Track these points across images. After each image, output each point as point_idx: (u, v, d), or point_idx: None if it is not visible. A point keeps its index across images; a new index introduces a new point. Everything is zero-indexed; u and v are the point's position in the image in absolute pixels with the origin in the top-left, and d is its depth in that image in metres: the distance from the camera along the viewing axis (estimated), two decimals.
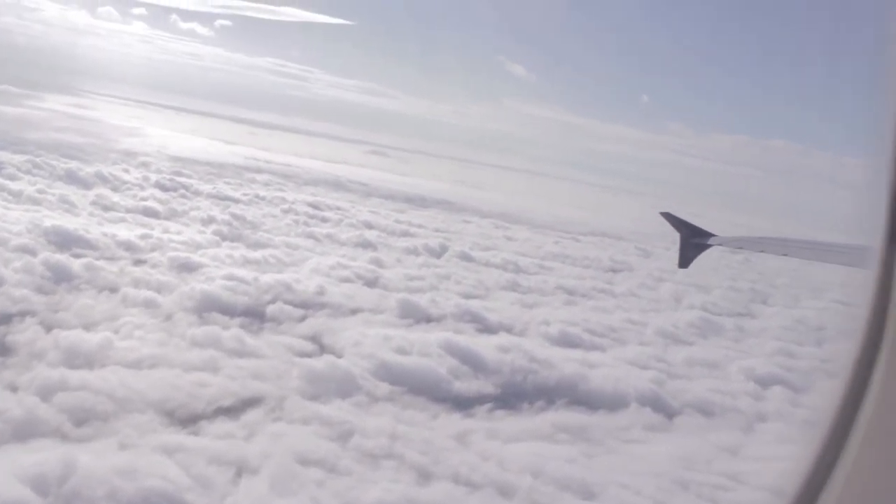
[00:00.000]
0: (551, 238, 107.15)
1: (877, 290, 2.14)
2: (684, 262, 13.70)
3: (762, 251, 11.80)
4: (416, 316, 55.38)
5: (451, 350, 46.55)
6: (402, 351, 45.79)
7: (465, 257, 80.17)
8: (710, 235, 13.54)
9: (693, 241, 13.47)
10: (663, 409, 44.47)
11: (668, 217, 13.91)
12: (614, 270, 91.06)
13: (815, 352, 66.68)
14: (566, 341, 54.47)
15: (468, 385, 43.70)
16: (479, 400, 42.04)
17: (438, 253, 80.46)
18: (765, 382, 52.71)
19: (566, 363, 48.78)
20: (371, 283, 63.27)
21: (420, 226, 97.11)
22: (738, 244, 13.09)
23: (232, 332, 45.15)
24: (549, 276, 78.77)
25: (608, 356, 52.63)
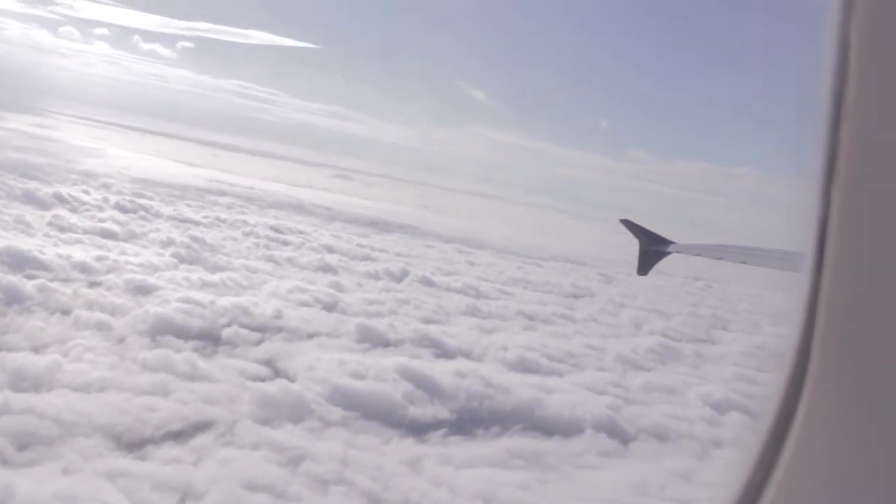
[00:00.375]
0: (514, 263, 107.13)
1: (805, 314, 2.23)
2: (643, 269, 13.81)
3: (720, 258, 11.68)
4: (373, 340, 55.06)
5: (407, 375, 46.29)
6: (356, 375, 45.45)
7: (426, 282, 79.93)
8: (669, 243, 13.66)
9: (652, 249, 13.59)
10: (619, 434, 44.44)
11: (627, 224, 13.98)
12: (576, 296, 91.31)
13: (774, 379, 67.15)
14: (524, 366, 54.38)
15: (423, 410, 43.40)
16: (434, 425, 41.77)
17: (399, 277, 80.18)
18: (722, 408, 52.91)
19: (523, 388, 48.66)
20: (330, 307, 62.83)
21: (382, 250, 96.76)
22: (697, 251, 13.05)
23: (184, 355, 44.58)
24: (510, 302, 78.72)
25: (565, 381, 52.58)
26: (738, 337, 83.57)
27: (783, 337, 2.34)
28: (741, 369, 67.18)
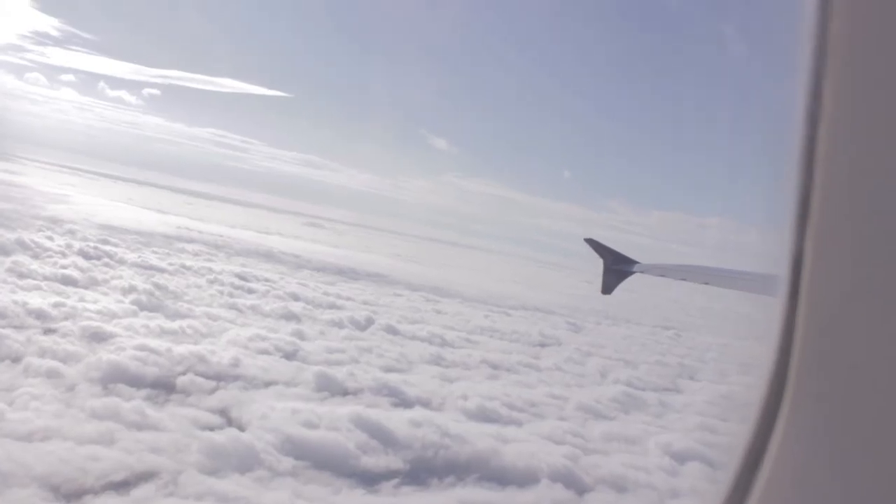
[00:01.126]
0: (482, 312, 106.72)
1: (779, 345, 2.37)
2: (607, 288, 14.00)
3: (683, 279, 11.96)
4: (332, 389, 54.47)
5: (361, 424, 45.66)
6: (309, 425, 44.77)
7: (391, 330, 79.43)
8: (633, 263, 13.85)
9: (615, 268, 13.82)
10: (575, 485, 43.96)
11: (592, 243, 14.25)
12: (542, 345, 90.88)
13: (738, 428, 66.93)
14: (483, 416, 53.91)
15: (376, 460, 42.78)
16: (386, 475, 41.17)
17: (364, 326, 79.66)
18: (681, 458, 52.54)
19: (480, 438, 48.12)
20: (290, 355, 62.16)
21: (348, 298, 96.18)
22: (661, 272, 13.16)
23: (134, 403, 43.74)
24: (475, 350, 78.22)
25: (524, 431, 52.12)
26: (704, 386, 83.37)
27: (757, 363, 2.47)
28: (704, 419, 66.94)
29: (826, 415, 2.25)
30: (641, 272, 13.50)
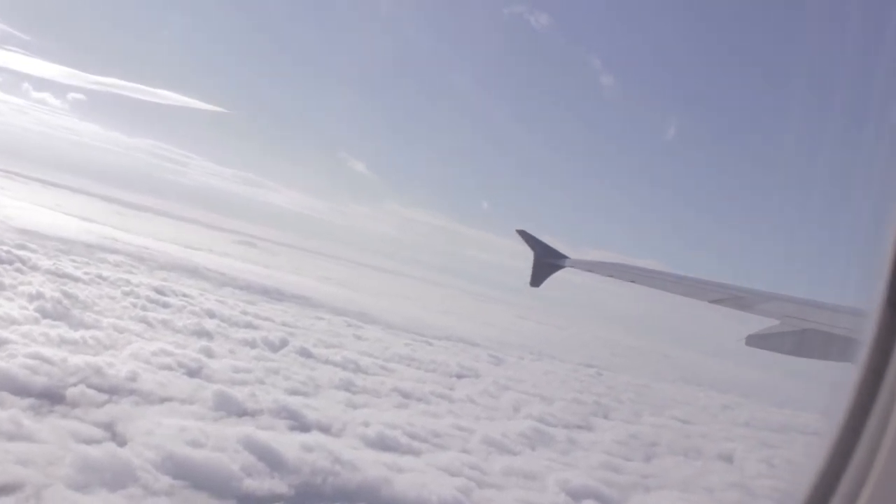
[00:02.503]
0: (403, 340, 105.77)
1: (872, 353, 2.30)
2: (536, 280, 14.06)
3: (610, 276, 12.02)
4: (229, 409, 53.30)
5: (250, 446, 44.59)
6: (195, 444, 43.57)
7: (305, 353, 78.29)
8: (564, 257, 14.01)
9: (546, 261, 13.94)
10: None
11: (523, 235, 14.24)
12: (459, 376, 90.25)
13: (641, 467, 67.06)
14: (382, 444, 53.13)
15: (259, 483, 41.74)
16: (268, 499, 40.18)
17: (277, 347, 78.40)
18: (578, 495, 52.37)
19: (374, 466, 47.36)
20: (193, 372, 60.79)
21: (267, 318, 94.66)
22: (589, 267, 13.19)
23: (10, 413, 42.17)
24: (388, 378, 77.42)
25: (421, 461, 51.44)
26: (616, 425, 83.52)
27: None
28: (610, 458, 67.06)
29: None
30: (571, 267, 13.59)
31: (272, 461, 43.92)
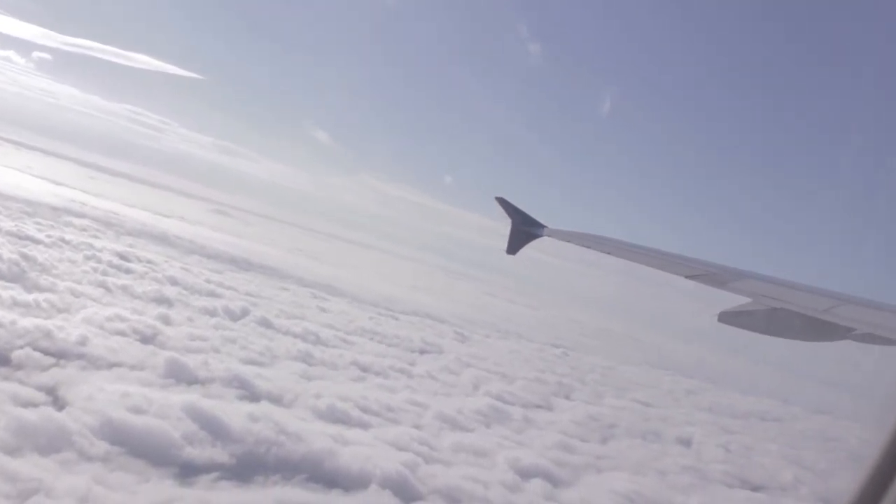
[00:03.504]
0: (369, 314, 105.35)
1: None
2: (512, 248, 14.06)
3: (587, 247, 11.90)
4: (179, 377, 52.78)
5: (194, 414, 44.16)
6: (137, 410, 43.09)
7: (265, 323, 77.75)
8: (542, 226, 13.88)
9: (523, 229, 13.87)
10: (406, 493, 43.19)
11: (502, 202, 14.15)
12: (423, 352, 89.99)
13: (596, 448, 67.19)
14: (332, 416, 52.87)
15: (200, 452, 41.35)
16: (206, 469, 39.77)
17: (238, 316, 77.84)
18: (527, 474, 52.27)
19: (320, 438, 47.02)
20: (147, 339, 60.18)
21: (231, 288, 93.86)
22: (567, 238, 13.00)
23: None
24: (348, 351, 76.99)
25: (369, 435, 51.17)
26: (576, 406, 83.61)
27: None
28: (565, 438, 67.09)
29: None
30: (548, 236, 13.58)
31: (216, 430, 43.52)
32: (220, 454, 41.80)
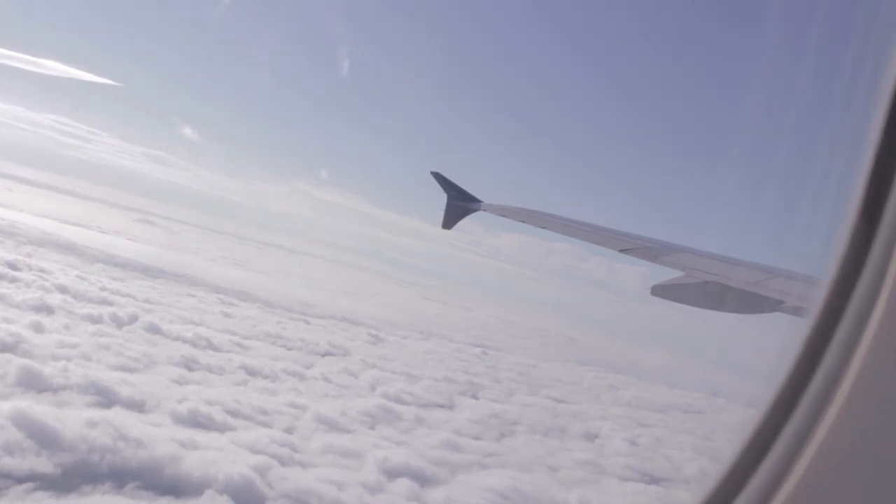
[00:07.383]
0: (278, 318, 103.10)
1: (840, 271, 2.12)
2: (448, 223, 14.05)
3: (523, 221, 12.05)
4: (30, 385, 50.43)
5: (21, 422, 41.78)
6: None
7: (153, 329, 75.36)
8: (478, 202, 13.88)
9: (459, 204, 13.89)
10: (248, 497, 41.30)
11: (437, 177, 14.15)
12: (325, 354, 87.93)
13: (487, 446, 65.67)
14: (191, 421, 50.86)
15: (20, 462, 39.01)
16: (23, 479, 37.47)
17: (124, 323, 75.26)
18: (394, 474, 50.58)
19: (165, 444, 44.84)
20: (7, 347, 57.52)
21: (128, 295, 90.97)
22: (503, 212, 13.02)
23: None
24: (239, 356, 74.73)
25: (225, 438, 49.06)
26: (480, 404, 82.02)
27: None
28: (455, 437, 65.53)
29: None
30: (484, 210, 13.55)
31: (43, 439, 41.20)
32: (43, 464, 39.50)
